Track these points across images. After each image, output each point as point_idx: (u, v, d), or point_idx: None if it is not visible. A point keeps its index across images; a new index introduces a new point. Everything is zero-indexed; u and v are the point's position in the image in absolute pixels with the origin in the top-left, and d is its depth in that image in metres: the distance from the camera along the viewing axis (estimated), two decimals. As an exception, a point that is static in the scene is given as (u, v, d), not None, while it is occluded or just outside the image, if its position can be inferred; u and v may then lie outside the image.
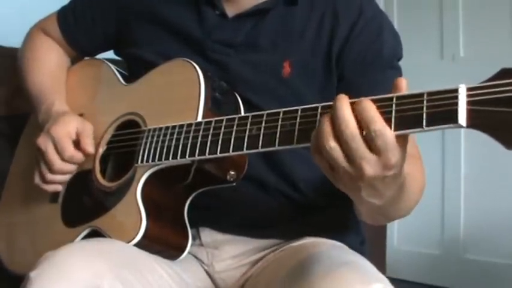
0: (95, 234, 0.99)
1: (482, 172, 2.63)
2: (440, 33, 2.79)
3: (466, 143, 2.64)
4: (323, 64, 1.02)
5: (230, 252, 1.07)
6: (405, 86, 0.70)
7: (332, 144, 0.68)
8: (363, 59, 1.01)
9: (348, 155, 0.68)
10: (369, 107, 0.67)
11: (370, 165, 0.68)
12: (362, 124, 0.67)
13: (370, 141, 0.67)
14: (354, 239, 1.11)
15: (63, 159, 1.02)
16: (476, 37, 2.65)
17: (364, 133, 0.67)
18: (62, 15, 1.24)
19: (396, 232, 2.91)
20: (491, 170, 2.59)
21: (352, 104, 0.69)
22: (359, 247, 1.08)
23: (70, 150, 1.02)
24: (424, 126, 0.66)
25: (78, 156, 1.03)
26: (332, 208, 1.10)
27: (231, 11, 1.07)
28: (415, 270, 2.83)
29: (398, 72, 1.05)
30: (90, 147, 1.03)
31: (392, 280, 0.83)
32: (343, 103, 0.68)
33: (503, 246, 2.53)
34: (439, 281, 2.76)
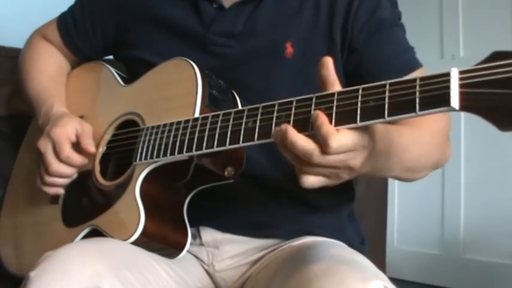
0: (94, 233, 0.99)
1: (482, 172, 2.63)
2: (440, 33, 2.79)
3: (466, 143, 2.64)
4: (324, 40, 1.03)
5: (230, 252, 1.07)
6: (330, 61, 0.72)
7: (313, 170, 0.72)
8: (369, 28, 1.02)
9: (334, 167, 0.72)
10: (322, 125, 0.70)
11: (352, 161, 0.72)
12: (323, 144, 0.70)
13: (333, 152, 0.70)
14: (354, 238, 1.11)
15: (59, 160, 1.02)
16: (476, 37, 2.65)
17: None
18: (62, 20, 1.24)
19: (396, 232, 2.91)
20: (491, 170, 2.59)
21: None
22: (359, 246, 1.08)
23: (66, 150, 1.01)
24: (417, 111, 0.66)
25: (75, 157, 1.02)
26: (332, 207, 1.10)
27: (227, 2, 1.07)
28: (415, 270, 2.83)
29: (402, 29, 1.07)
30: (91, 147, 1.03)
31: (392, 280, 0.83)
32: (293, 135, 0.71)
33: (503, 246, 2.53)
34: (439, 281, 2.76)
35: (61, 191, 1.05)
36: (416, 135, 0.89)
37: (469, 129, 2.59)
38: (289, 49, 1.03)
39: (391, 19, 1.05)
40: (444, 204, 2.76)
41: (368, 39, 1.02)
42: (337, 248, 1.00)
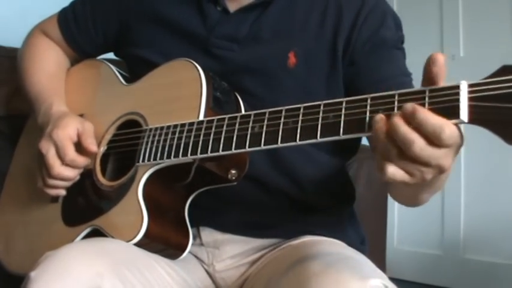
0: (95, 233, 0.99)
1: (482, 173, 2.63)
2: (440, 33, 2.79)
3: (466, 143, 2.63)
4: (328, 53, 1.03)
5: (230, 252, 1.07)
6: (442, 58, 0.68)
7: (406, 166, 0.66)
8: (371, 45, 1.02)
9: (425, 164, 0.66)
10: (427, 115, 0.64)
11: (446, 159, 0.67)
12: (430, 135, 0.64)
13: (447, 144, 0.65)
14: (354, 238, 1.11)
15: (64, 163, 1.01)
16: (476, 37, 2.65)
17: (431, 140, 0.65)
18: (63, 16, 1.24)
19: (396, 232, 2.92)
20: (491, 170, 2.59)
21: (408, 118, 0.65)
22: (359, 246, 1.08)
23: (71, 154, 1.00)
24: None
25: (80, 160, 1.01)
26: (332, 208, 1.10)
27: (232, 6, 1.07)
28: (415, 270, 2.83)
29: (403, 53, 1.08)
30: (93, 146, 1.02)
31: (392, 280, 0.83)
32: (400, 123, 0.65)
33: (503, 246, 2.54)
34: (439, 281, 2.76)
35: (63, 192, 1.05)
36: None
37: (469, 129, 2.59)
38: (292, 59, 1.02)
39: (394, 40, 1.06)
40: (444, 204, 2.76)
41: (368, 55, 1.02)
42: (337, 246, 1.00)
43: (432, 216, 2.78)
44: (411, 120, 0.65)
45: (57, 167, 1.00)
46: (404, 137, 0.65)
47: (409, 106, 0.65)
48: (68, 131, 1.02)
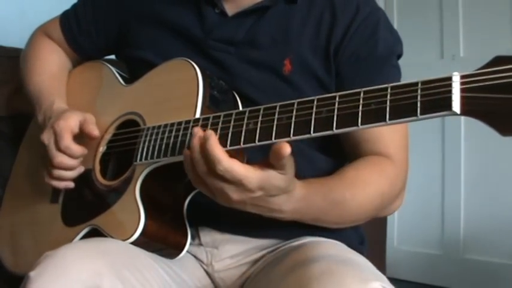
0: (94, 233, 0.99)
1: (482, 172, 2.63)
2: (440, 33, 2.79)
3: (466, 143, 2.64)
4: (322, 61, 1.03)
5: (229, 252, 1.07)
6: (284, 151, 0.74)
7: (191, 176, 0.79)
8: (357, 56, 1.02)
9: (210, 186, 0.77)
10: (212, 147, 0.74)
11: (231, 191, 0.76)
12: (210, 163, 0.75)
13: (222, 176, 0.75)
14: (353, 238, 1.11)
15: (59, 149, 1.01)
16: (476, 37, 2.65)
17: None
18: (65, 18, 1.25)
19: (396, 232, 2.91)
20: (491, 170, 2.59)
21: (202, 142, 0.77)
22: (359, 247, 1.08)
23: (65, 141, 1.01)
24: (418, 115, 0.66)
25: (74, 148, 1.02)
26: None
27: (230, 9, 1.07)
28: (415, 270, 2.83)
29: (396, 70, 1.06)
30: (95, 132, 1.03)
31: (392, 280, 0.83)
32: (195, 145, 0.77)
33: (503, 246, 2.53)
34: (439, 281, 2.76)
35: (71, 184, 1.05)
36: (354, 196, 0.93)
37: (469, 129, 2.60)
38: (288, 66, 1.03)
39: (385, 55, 1.04)
40: (444, 204, 2.76)
41: (353, 68, 1.02)
42: (337, 248, 1.00)
43: (432, 216, 2.78)
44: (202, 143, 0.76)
45: (59, 157, 1.01)
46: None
47: (207, 133, 0.77)
48: (69, 122, 1.03)
